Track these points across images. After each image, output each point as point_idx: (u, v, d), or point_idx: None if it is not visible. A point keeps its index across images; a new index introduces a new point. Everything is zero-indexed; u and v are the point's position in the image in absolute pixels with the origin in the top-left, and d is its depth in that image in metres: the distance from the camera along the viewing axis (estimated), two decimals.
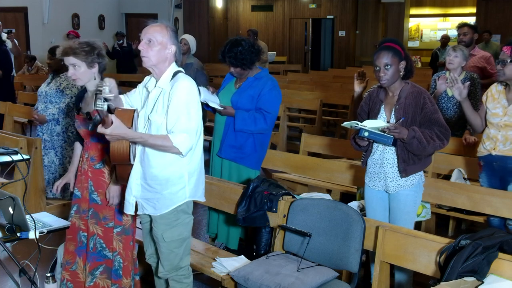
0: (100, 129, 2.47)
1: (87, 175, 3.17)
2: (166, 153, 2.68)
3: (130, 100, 2.91)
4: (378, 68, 3.10)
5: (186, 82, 2.70)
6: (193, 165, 2.80)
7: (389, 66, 3.07)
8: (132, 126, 2.64)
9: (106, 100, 2.33)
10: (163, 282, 3.04)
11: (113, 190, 3.06)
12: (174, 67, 2.77)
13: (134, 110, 2.74)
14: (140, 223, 3.08)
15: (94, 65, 3.07)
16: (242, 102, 3.88)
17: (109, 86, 2.39)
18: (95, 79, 3.07)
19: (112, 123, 2.46)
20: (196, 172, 2.82)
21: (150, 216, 2.86)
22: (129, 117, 2.65)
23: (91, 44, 3.09)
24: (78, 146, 3.40)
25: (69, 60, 3.06)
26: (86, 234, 3.17)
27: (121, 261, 3.14)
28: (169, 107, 2.65)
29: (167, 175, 2.74)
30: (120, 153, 2.66)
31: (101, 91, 2.35)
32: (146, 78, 2.89)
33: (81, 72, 3.05)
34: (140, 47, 2.69)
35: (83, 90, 3.24)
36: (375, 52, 3.15)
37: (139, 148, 2.77)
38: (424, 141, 3.02)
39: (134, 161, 2.77)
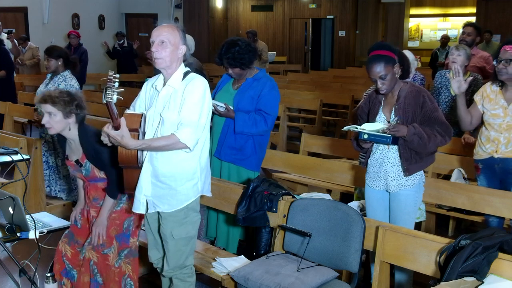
0: (112, 132, 2.54)
1: (90, 214, 3.24)
2: (178, 151, 2.71)
3: (137, 111, 2.91)
4: (374, 79, 3.08)
5: (201, 80, 2.78)
6: (204, 160, 2.86)
7: (384, 76, 3.05)
8: (140, 128, 2.68)
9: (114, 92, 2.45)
10: (167, 280, 3.04)
11: (102, 228, 3.12)
12: (183, 67, 2.83)
13: (142, 115, 2.77)
14: (143, 225, 3.08)
15: (71, 116, 3.03)
16: (242, 104, 3.83)
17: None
18: (70, 129, 3.06)
19: (120, 125, 2.53)
20: (206, 167, 2.90)
21: (158, 214, 2.87)
22: (137, 121, 2.69)
23: (72, 95, 3.09)
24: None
25: (46, 107, 3.02)
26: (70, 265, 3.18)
27: (132, 283, 3.19)
28: (184, 103, 2.69)
29: (182, 171, 2.77)
30: (128, 154, 2.68)
31: (112, 84, 2.45)
32: (153, 78, 2.92)
33: (56, 121, 3.01)
34: (153, 49, 2.71)
35: (63, 137, 3.16)
36: (366, 64, 3.10)
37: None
38: (425, 136, 3.01)
39: (141, 165, 2.77)
